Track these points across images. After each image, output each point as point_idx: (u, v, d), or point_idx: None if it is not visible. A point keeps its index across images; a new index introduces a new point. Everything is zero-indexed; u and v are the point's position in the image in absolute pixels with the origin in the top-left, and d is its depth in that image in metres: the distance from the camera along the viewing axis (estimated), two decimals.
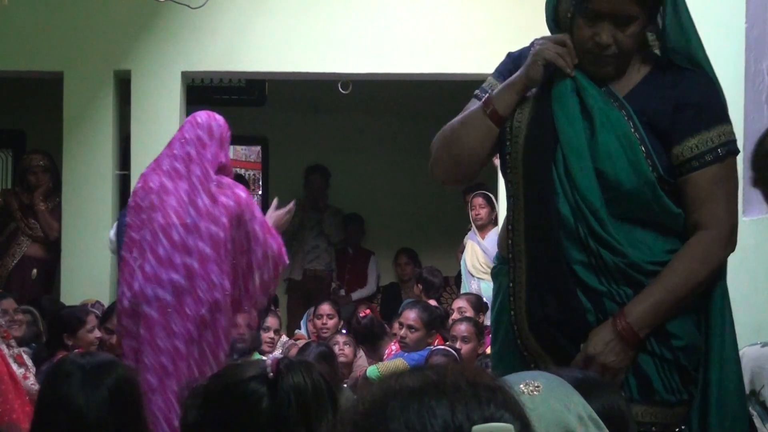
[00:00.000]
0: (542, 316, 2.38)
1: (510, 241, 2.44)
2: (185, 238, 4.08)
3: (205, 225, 4.09)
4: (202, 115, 4.35)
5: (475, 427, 1.02)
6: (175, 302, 4.04)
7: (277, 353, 5.66)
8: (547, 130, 2.39)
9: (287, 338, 6.61)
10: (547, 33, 2.59)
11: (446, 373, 1.09)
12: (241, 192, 4.25)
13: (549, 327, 2.37)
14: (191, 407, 1.93)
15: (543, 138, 2.39)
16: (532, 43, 2.50)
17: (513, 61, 2.56)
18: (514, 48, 2.68)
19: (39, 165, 7.09)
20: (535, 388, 1.39)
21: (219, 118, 4.36)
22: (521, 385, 1.40)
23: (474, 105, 2.55)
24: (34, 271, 7.14)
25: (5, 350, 4.36)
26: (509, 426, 1.02)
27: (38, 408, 2.40)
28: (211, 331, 4.08)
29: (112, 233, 4.49)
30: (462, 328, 5.62)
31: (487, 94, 2.52)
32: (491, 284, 7.88)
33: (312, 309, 6.96)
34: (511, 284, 2.44)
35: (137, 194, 4.23)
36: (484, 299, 6.83)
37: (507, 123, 2.45)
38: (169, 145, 4.32)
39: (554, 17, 2.48)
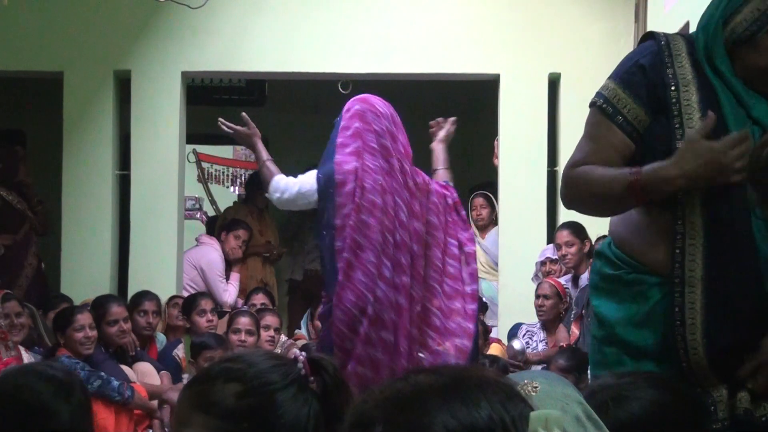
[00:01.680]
0: (728, 346, 2.32)
1: (677, 264, 2.33)
2: (405, 238, 3.98)
3: (412, 223, 4.03)
4: (379, 104, 4.14)
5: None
6: (408, 305, 3.97)
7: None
8: None
9: (287, 338, 6.60)
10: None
11: (463, 372, 1.15)
12: (426, 179, 4.20)
13: (732, 355, 2.32)
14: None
15: None
16: (661, 48, 2.40)
17: (643, 72, 2.41)
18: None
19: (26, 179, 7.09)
20: (533, 389, 1.39)
21: (390, 105, 4.21)
22: (519, 386, 1.40)
23: (596, 118, 2.43)
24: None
25: (2, 354, 4.36)
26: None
27: None
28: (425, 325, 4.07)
29: (305, 189, 4.15)
30: None
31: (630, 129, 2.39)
32: (492, 284, 7.92)
33: (312, 309, 6.95)
34: (677, 308, 2.34)
35: (354, 194, 3.98)
36: (484, 299, 6.83)
37: (677, 138, 2.34)
38: (359, 137, 4.06)
39: (713, 32, 2.37)
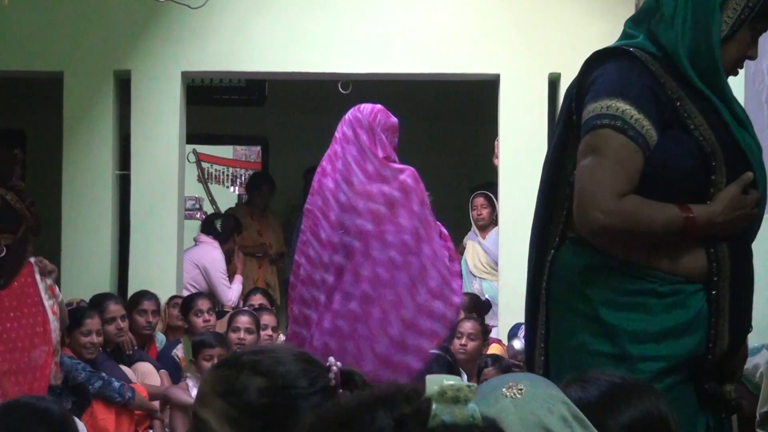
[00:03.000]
0: (743, 336, 2.48)
1: (713, 261, 2.41)
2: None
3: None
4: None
5: (428, 377, 1.11)
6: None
7: None
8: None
9: (285, 338, 6.60)
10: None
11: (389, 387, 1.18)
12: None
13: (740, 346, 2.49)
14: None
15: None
16: (647, 66, 2.42)
17: (651, 93, 2.41)
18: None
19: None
20: (518, 391, 1.39)
21: (363, 109, 4.39)
22: (504, 389, 1.40)
23: (618, 141, 2.38)
24: None
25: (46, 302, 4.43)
26: (457, 381, 1.11)
27: None
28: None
29: None
30: (468, 326, 5.67)
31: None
32: (492, 284, 7.92)
33: None
34: (714, 302, 2.41)
35: None
36: (487, 297, 6.83)
37: (706, 148, 2.40)
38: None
39: (710, 41, 2.42)
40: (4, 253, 6.72)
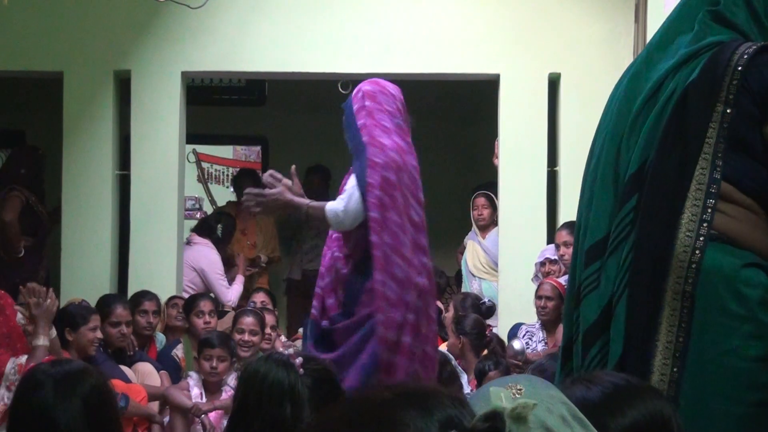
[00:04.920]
0: None
1: None
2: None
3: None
4: (390, 86, 4.25)
5: (491, 389, 1.20)
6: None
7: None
8: None
9: (286, 339, 6.60)
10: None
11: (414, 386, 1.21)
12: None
13: None
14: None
15: None
16: None
17: None
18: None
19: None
20: (517, 391, 1.40)
21: (398, 89, 4.25)
22: (503, 389, 1.41)
23: None
24: None
25: None
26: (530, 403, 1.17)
27: (11, 420, 2.39)
28: None
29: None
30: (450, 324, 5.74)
31: None
32: (492, 284, 7.88)
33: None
34: None
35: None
36: (486, 300, 6.82)
37: None
38: (370, 116, 4.11)
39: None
40: (22, 254, 6.78)
